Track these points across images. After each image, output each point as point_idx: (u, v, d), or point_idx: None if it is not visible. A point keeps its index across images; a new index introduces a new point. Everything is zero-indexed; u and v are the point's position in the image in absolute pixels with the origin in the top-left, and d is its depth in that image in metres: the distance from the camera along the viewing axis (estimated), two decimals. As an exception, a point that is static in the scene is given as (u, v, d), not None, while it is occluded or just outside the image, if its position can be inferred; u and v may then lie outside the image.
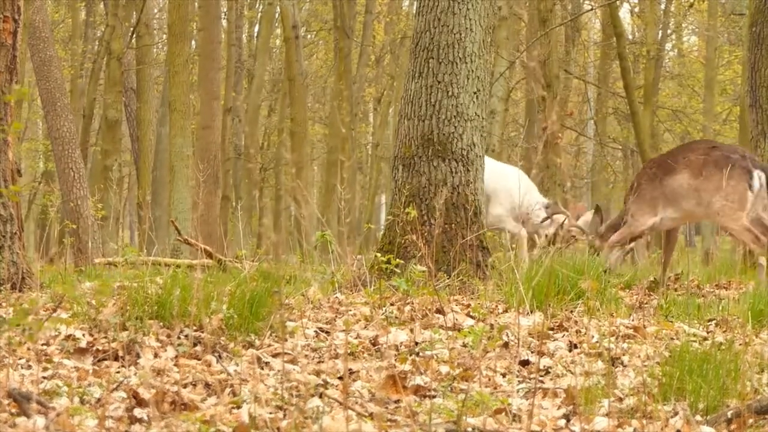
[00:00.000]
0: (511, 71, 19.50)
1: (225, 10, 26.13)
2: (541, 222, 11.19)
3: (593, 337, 5.34)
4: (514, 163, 13.01)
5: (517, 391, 4.39)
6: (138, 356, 4.59)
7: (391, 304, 6.12)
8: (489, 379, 4.58)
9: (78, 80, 26.36)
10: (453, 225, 8.07)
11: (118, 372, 4.45)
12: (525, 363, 4.88)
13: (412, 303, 6.06)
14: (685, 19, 32.48)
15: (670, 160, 8.66)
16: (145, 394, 3.93)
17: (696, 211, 8.51)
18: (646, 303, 6.73)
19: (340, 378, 4.43)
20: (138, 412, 3.81)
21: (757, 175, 8.42)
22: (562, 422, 3.92)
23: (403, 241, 7.96)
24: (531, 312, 5.85)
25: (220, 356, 4.73)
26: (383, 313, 5.78)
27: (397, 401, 4.14)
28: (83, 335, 4.87)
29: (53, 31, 21.91)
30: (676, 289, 7.91)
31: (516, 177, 10.86)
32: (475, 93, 8.22)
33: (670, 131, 31.15)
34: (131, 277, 5.52)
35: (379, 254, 7.78)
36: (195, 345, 4.79)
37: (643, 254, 14.10)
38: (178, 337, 4.87)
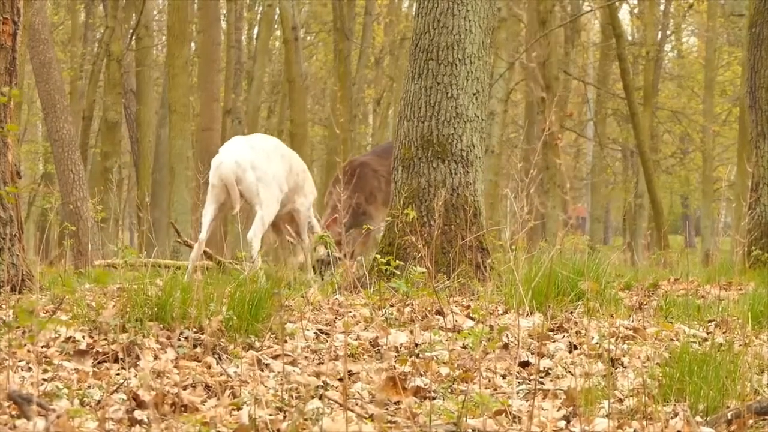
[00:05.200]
0: (511, 72, 19.51)
1: (224, 11, 26.14)
2: None
3: (593, 338, 5.34)
4: (514, 165, 12.94)
5: (517, 393, 4.39)
6: (138, 358, 4.59)
7: (391, 306, 6.12)
8: (489, 381, 4.58)
9: (78, 82, 26.36)
10: (452, 226, 8.07)
11: (118, 374, 4.45)
12: (525, 364, 4.88)
13: (412, 304, 6.06)
14: (685, 20, 32.53)
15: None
16: (145, 395, 3.93)
17: None
18: (646, 304, 6.73)
19: (340, 379, 4.43)
20: (138, 413, 3.82)
21: None
22: (562, 423, 3.92)
23: (402, 243, 7.96)
24: (531, 313, 5.86)
25: (220, 358, 4.74)
26: (383, 315, 5.78)
27: (397, 403, 4.14)
28: (83, 337, 4.87)
29: (53, 33, 21.93)
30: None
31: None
32: (474, 94, 8.22)
33: (670, 132, 31.19)
34: (131, 279, 5.53)
35: (378, 256, 7.78)
36: (195, 347, 4.79)
37: (643, 255, 14.11)
38: (178, 339, 4.87)
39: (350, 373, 4.57)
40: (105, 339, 4.82)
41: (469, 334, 5.25)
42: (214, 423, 3.68)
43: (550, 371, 4.80)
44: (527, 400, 4.23)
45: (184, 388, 4.20)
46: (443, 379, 4.57)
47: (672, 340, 5.40)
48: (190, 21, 20.30)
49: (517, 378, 4.63)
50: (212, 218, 8.34)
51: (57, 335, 4.86)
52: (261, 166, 8.34)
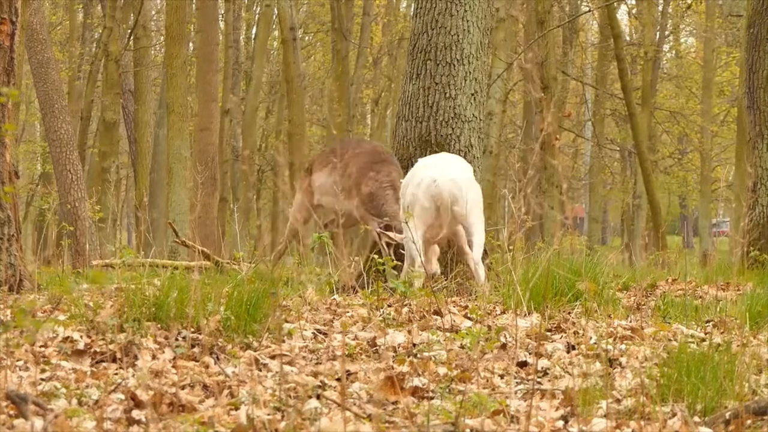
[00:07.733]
0: (509, 73, 19.50)
1: (223, 11, 26.14)
2: None
3: (591, 338, 5.34)
4: (512, 165, 12.89)
5: (515, 393, 4.39)
6: (136, 358, 4.59)
7: (389, 306, 6.11)
8: (487, 381, 4.58)
9: (76, 82, 26.36)
10: (451, 226, 8.06)
11: (116, 374, 4.45)
12: (523, 364, 4.88)
13: (410, 305, 6.06)
14: (683, 20, 32.54)
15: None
16: (143, 395, 3.92)
17: None
18: (644, 304, 6.73)
19: (338, 379, 4.43)
20: (136, 413, 3.81)
21: None
22: (560, 423, 3.92)
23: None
24: (528, 313, 5.86)
25: (217, 358, 4.73)
26: (381, 315, 5.78)
27: (395, 403, 4.14)
28: (81, 337, 4.87)
29: (51, 33, 21.93)
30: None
31: None
32: (472, 95, 8.23)
33: (668, 132, 31.19)
34: (129, 279, 5.52)
35: (376, 256, 7.78)
36: (193, 347, 4.78)
37: (641, 255, 14.11)
38: (176, 339, 4.86)
39: (348, 373, 4.57)
40: (103, 339, 4.82)
41: (466, 334, 5.25)
42: (212, 423, 3.68)
43: (548, 371, 4.79)
44: (525, 400, 4.23)
45: (182, 387, 4.20)
46: (441, 379, 4.57)
47: (670, 340, 5.40)
48: (188, 21, 20.32)
49: (515, 378, 4.63)
50: (423, 242, 7.51)
51: (55, 335, 4.85)
52: (473, 185, 7.50)
